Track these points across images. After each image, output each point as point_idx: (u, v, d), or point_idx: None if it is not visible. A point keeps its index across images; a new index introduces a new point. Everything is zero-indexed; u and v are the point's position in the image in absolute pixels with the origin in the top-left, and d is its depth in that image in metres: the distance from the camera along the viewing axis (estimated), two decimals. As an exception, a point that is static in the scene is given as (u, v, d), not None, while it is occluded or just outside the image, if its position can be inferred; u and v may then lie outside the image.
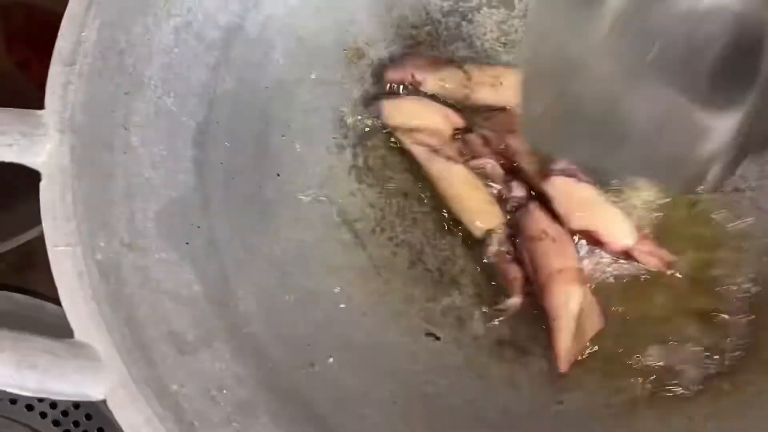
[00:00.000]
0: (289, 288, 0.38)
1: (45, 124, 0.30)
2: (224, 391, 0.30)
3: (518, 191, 0.40)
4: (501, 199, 0.41)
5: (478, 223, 0.40)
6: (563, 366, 0.37)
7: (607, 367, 0.38)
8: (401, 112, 0.42)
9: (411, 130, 0.42)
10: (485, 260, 0.40)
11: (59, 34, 0.32)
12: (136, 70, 0.34)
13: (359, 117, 0.43)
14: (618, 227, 0.39)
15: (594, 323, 0.38)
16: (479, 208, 0.41)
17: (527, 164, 0.41)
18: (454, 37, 0.46)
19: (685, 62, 0.29)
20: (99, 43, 0.32)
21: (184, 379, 0.29)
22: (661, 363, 0.37)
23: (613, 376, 0.38)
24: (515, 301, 0.39)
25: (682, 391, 0.37)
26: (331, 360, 0.36)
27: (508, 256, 0.40)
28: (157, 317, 0.30)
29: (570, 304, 0.37)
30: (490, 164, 0.41)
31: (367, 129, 0.43)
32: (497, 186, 0.40)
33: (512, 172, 0.41)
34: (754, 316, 0.38)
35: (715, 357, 0.37)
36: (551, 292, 0.38)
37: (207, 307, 0.32)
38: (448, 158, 0.41)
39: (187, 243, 0.33)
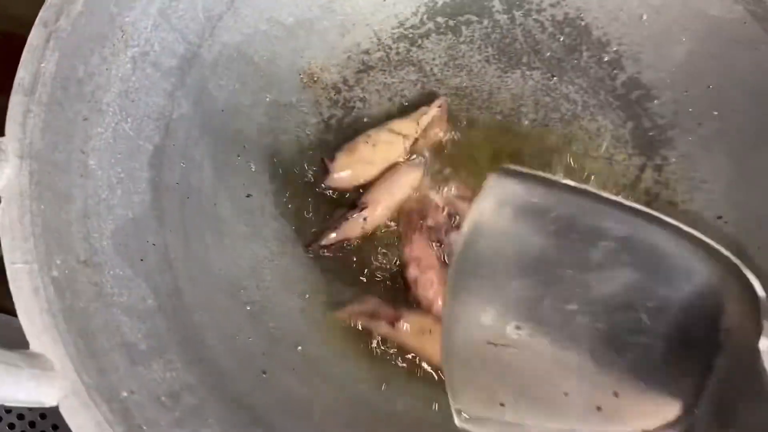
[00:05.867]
0: (243, 302, 0.40)
1: (4, 151, 0.32)
2: (174, 398, 0.32)
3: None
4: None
5: None
6: None
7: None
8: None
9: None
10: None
11: (20, 64, 0.34)
12: (94, 97, 0.36)
13: (313, 137, 0.46)
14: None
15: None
16: None
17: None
18: (404, 62, 0.48)
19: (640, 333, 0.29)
20: (58, 73, 0.34)
21: (135, 387, 0.31)
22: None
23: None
24: None
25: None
26: (282, 369, 0.38)
27: None
28: (110, 329, 0.32)
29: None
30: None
31: (320, 148, 0.46)
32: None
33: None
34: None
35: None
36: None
37: (160, 319, 0.34)
38: (389, 321, 0.40)
39: (141, 259, 0.35)
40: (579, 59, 0.49)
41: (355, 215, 0.42)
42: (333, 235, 0.42)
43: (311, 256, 0.42)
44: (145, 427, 0.30)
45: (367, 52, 0.48)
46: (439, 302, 0.40)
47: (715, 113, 0.45)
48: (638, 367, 0.29)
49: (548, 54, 0.49)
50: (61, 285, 0.31)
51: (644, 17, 0.46)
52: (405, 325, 0.39)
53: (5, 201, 0.31)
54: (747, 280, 0.27)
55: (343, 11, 0.47)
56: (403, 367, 0.40)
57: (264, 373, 0.37)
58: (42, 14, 0.34)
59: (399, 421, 0.38)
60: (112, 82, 0.37)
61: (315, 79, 0.47)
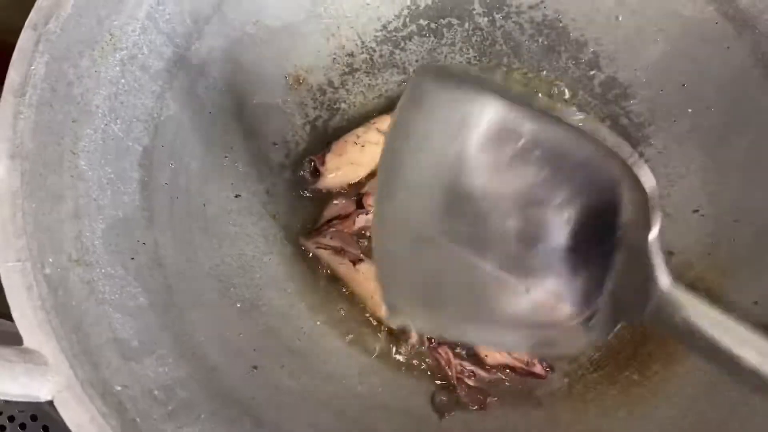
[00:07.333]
0: (232, 299, 0.40)
1: (-4, 152, 0.32)
2: (167, 392, 0.32)
3: None
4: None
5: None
6: None
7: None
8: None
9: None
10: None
11: (10, 67, 0.34)
12: (84, 99, 0.36)
13: (299, 138, 0.47)
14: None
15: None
16: None
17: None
18: (387, 64, 0.49)
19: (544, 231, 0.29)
20: (48, 75, 0.35)
21: (128, 381, 0.31)
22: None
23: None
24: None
25: (596, 382, 0.40)
26: (272, 364, 0.39)
27: (430, 341, 0.40)
28: (103, 326, 0.32)
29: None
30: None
31: (306, 149, 0.47)
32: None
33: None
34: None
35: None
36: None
37: (151, 317, 0.35)
38: (351, 260, 0.42)
39: (132, 258, 0.36)
40: (558, 60, 0.50)
41: (361, 216, 0.43)
42: (334, 231, 0.43)
43: (303, 248, 0.43)
44: (138, 420, 0.30)
45: (351, 54, 0.49)
46: None
47: (690, 110, 0.46)
48: (545, 265, 0.30)
49: (528, 55, 0.50)
50: (54, 283, 0.31)
51: (620, 18, 0.48)
52: (364, 268, 0.40)
53: (-3, 200, 0.32)
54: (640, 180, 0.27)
55: (328, 14, 0.47)
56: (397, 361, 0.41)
57: (255, 368, 0.38)
58: (32, 17, 0.35)
59: (389, 413, 0.39)
60: (101, 84, 0.37)
61: (301, 81, 0.48)
